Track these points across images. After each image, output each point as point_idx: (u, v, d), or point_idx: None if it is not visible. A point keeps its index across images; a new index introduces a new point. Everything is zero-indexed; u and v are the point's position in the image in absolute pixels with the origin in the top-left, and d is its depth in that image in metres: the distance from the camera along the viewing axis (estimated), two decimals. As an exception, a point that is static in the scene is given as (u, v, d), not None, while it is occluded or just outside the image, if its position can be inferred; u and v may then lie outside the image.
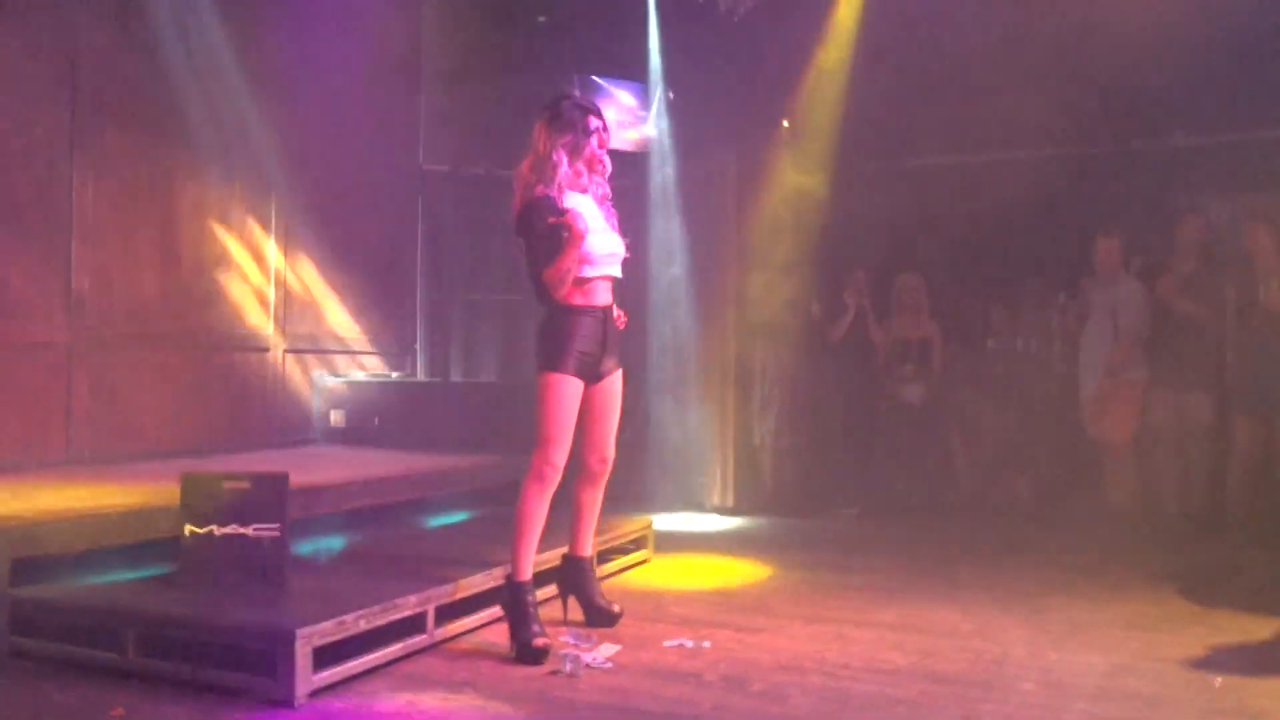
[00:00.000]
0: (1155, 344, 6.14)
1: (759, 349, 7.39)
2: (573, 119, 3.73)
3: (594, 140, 3.77)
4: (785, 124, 7.56)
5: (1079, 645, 3.78)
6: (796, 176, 7.32)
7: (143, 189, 5.61)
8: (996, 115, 6.97)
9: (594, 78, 7.42)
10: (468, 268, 7.83)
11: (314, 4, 6.46)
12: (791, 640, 3.81)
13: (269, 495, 3.66)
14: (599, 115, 3.82)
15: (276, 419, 6.39)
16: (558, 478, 3.70)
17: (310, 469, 4.92)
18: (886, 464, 7.10)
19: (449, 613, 3.75)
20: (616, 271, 3.81)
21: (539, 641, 3.54)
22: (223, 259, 6.07)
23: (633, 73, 7.50)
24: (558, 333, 3.67)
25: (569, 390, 3.66)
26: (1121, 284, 6.27)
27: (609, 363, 3.82)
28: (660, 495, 6.94)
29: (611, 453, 3.93)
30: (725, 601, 4.42)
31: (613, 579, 4.80)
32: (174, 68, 5.69)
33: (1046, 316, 7.00)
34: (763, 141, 7.38)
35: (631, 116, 7.52)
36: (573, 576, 4.01)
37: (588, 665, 3.43)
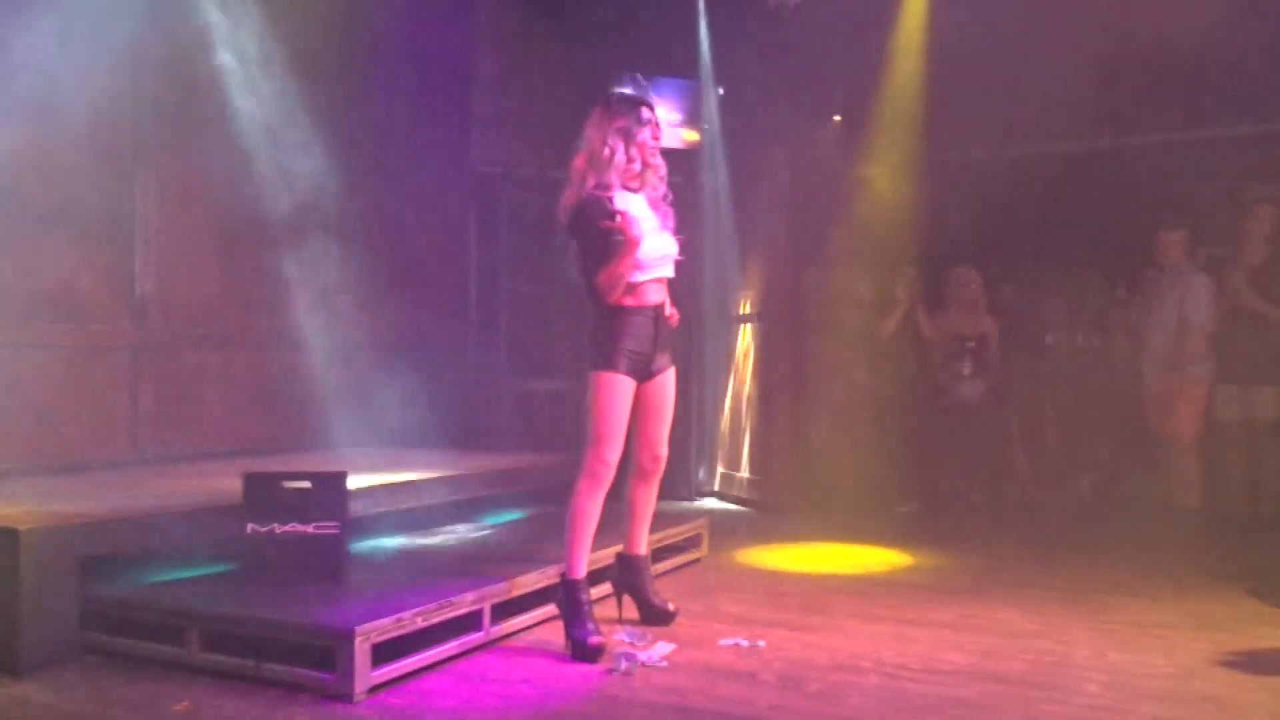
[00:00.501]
0: (1221, 338, 5.99)
1: (813, 344, 7.34)
2: (624, 108, 3.72)
3: (647, 131, 3.73)
4: (837, 119, 7.51)
5: (1144, 646, 3.70)
6: (849, 170, 7.26)
7: (203, 194, 5.72)
8: (1055, 104, 6.85)
9: (645, 77, 7.41)
10: (520, 268, 7.87)
11: (369, 8, 6.54)
12: (848, 639, 3.78)
13: (329, 494, 3.71)
14: (651, 108, 3.79)
15: (338, 418, 6.47)
16: (610, 476, 3.69)
17: (369, 468, 4.99)
18: (944, 461, 7.01)
19: (505, 610, 3.77)
20: (669, 272, 3.79)
21: (594, 640, 3.55)
22: (283, 261, 6.16)
23: (684, 71, 7.49)
24: (609, 332, 3.66)
25: (621, 389, 3.65)
26: (1186, 276, 6.12)
27: (661, 360, 3.79)
28: (714, 491, 6.92)
29: (665, 450, 3.91)
30: (780, 599, 4.40)
31: (665, 577, 4.80)
32: (232, 73, 5.79)
33: (1107, 311, 6.87)
34: (814, 136, 7.33)
35: (683, 115, 7.51)
36: (628, 575, 4.01)
37: (643, 664, 3.43)
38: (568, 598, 3.67)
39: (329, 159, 6.38)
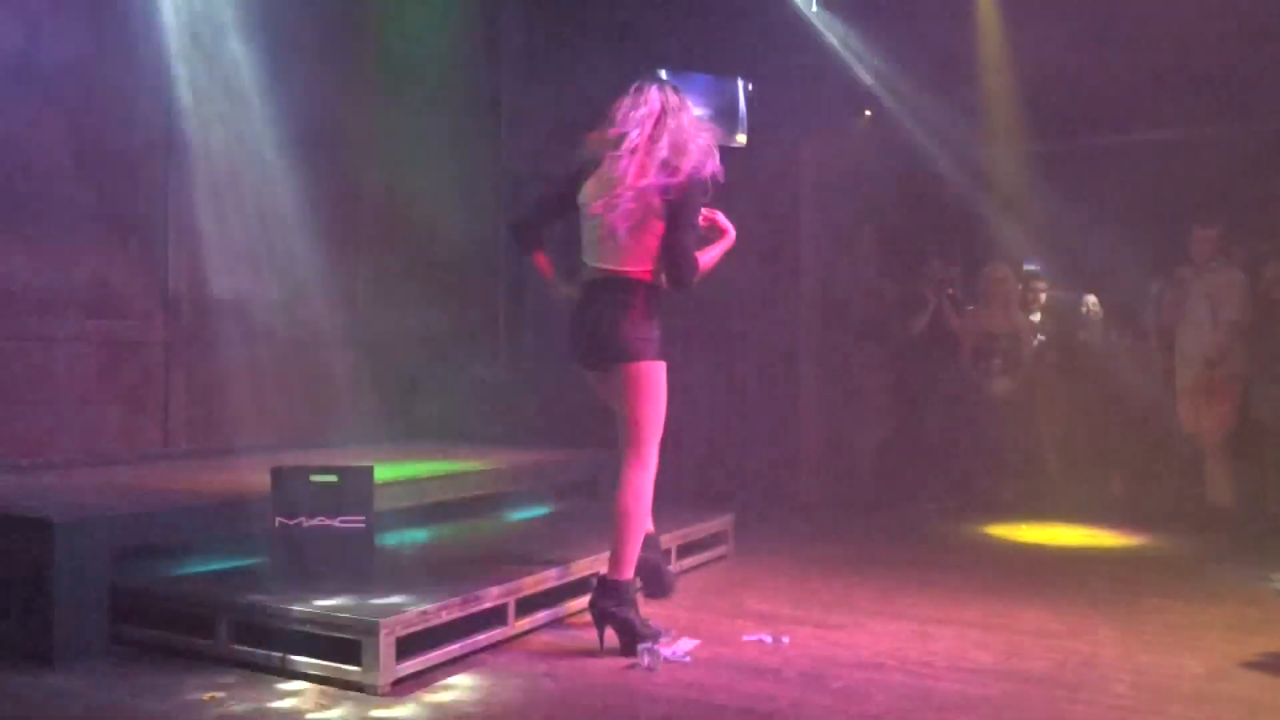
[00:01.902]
0: (1256, 335, 5.91)
1: (840, 340, 7.32)
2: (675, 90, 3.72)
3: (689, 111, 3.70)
4: (868, 113, 7.47)
5: (1173, 647, 3.66)
6: (877, 164, 7.22)
7: (234, 192, 5.77)
8: (1087, 99, 6.78)
9: (675, 72, 7.39)
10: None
11: (399, 4, 6.59)
12: (872, 637, 3.77)
13: (355, 488, 3.74)
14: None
15: (365, 413, 6.52)
16: (656, 467, 3.67)
17: (395, 463, 5.02)
18: (973, 459, 6.96)
19: (529, 605, 3.79)
20: None
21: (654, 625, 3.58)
22: (312, 257, 6.21)
23: (709, 66, 7.46)
24: (652, 317, 3.58)
25: (665, 378, 3.64)
26: (1221, 273, 6.05)
27: None
28: (742, 490, 6.90)
29: None
30: (805, 597, 4.38)
31: (690, 573, 4.80)
32: (261, 69, 5.84)
33: (1140, 308, 6.79)
34: (842, 130, 7.30)
35: (713, 111, 7.48)
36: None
37: (666, 659, 3.44)
38: (621, 598, 3.54)
39: (358, 155, 6.44)
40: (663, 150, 3.52)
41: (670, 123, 3.57)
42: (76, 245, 5.03)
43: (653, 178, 3.50)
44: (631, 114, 3.60)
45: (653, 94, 3.63)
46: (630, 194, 3.50)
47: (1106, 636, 3.80)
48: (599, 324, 3.59)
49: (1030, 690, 3.19)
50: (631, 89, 3.66)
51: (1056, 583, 4.68)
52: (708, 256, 3.67)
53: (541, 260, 3.87)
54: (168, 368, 5.40)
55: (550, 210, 3.89)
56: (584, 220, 3.68)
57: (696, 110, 3.74)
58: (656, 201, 3.50)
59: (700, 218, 3.62)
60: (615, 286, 3.59)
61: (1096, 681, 3.28)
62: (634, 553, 3.60)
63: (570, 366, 3.79)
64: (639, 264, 3.57)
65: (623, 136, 3.57)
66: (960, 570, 4.95)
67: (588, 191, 3.64)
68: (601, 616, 3.55)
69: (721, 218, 3.70)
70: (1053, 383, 7.02)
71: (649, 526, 3.89)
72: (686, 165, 3.51)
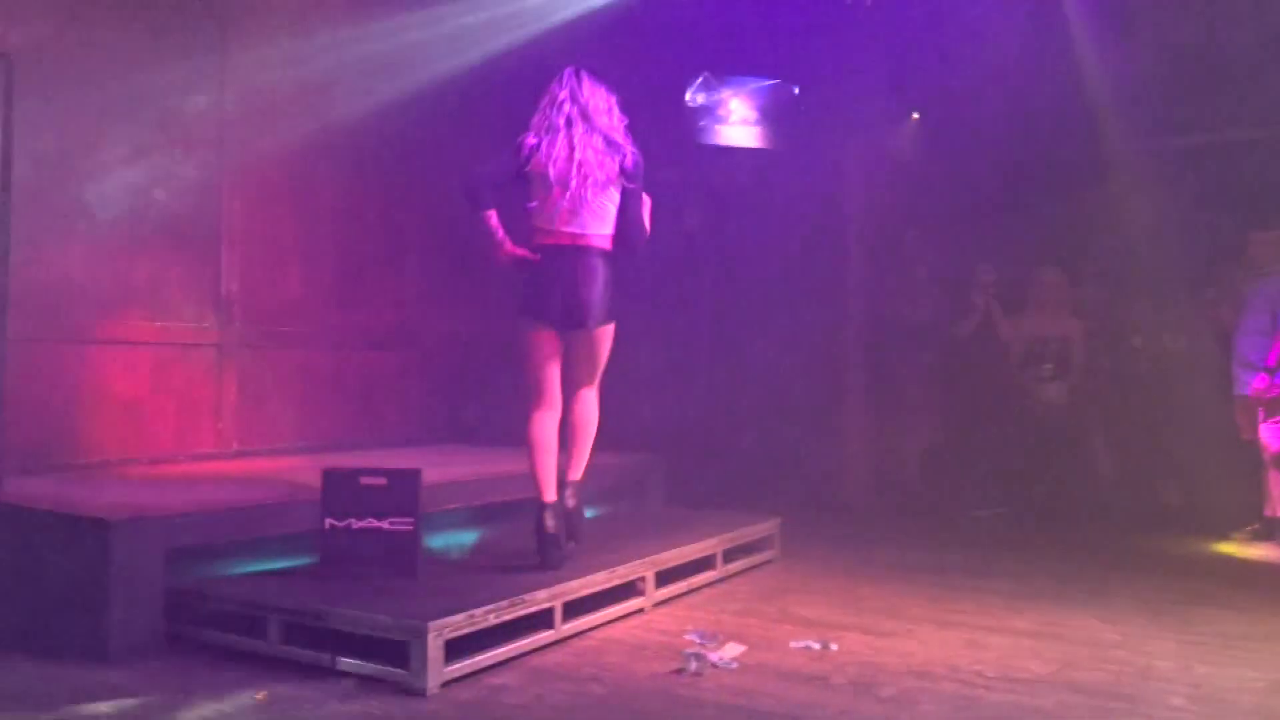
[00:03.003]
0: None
1: (887, 345, 7.26)
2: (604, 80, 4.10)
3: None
4: (915, 115, 7.41)
5: (1232, 659, 3.58)
6: (925, 166, 7.16)
7: (285, 196, 5.85)
8: (1137, 101, 6.67)
9: (717, 74, 7.39)
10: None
11: (441, 9, 6.64)
12: (922, 645, 3.72)
13: (404, 491, 3.77)
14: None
15: (412, 416, 6.58)
16: None
17: (443, 465, 5.04)
18: (1024, 466, 6.86)
19: (576, 609, 3.79)
20: None
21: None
22: (361, 258, 6.28)
23: (756, 68, 7.44)
24: (617, 284, 4.07)
25: None
26: (1278, 277, 5.90)
27: None
28: (788, 495, 6.86)
29: None
30: (853, 603, 4.35)
31: (736, 578, 4.78)
32: (312, 78, 5.91)
33: (1196, 312, 6.66)
34: (891, 132, 7.24)
35: (758, 113, 7.46)
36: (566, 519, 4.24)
37: (713, 665, 3.42)
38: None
39: (406, 158, 6.49)
40: (602, 128, 3.97)
41: (601, 105, 4.01)
42: (132, 248, 5.11)
43: (606, 151, 3.95)
44: (560, 96, 4.02)
45: (568, 79, 4.04)
46: (597, 165, 3.92)
47: (1162, 647, 3.72)
48: (590, 288, 3.98)
49: (1084, 702, 3.13)
50: (555, 80, 4.06)
51: (1109, 591, 4.60)
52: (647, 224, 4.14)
53: (495, 219, 4.05)
54: (220, 369, 5.47)
55: (500, 179, 4.09)
56: (545, 190, 3.97)
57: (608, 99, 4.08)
58: (615, 174, 3.95)
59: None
60: (593, 252, 3.99)
61: (1153, 694, 3.22)
62: (554, 465, 4.09)
63: (536, 327, 4.06)
64: (607, 229, 4.02)
65: (562, 119, 3.97)
66: (1011, 577, 4.88)
67: (555, 163, 3.93)
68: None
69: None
70: (1105, 389, 6.91)
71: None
72: (628, 143, 4.00)
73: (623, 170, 3.96)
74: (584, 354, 4.15)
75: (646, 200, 4.13)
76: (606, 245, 4.02)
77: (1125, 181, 6.93)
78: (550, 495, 4.01)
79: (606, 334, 4.13)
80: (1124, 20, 6.52)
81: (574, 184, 3.90)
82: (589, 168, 3.90)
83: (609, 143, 3.96)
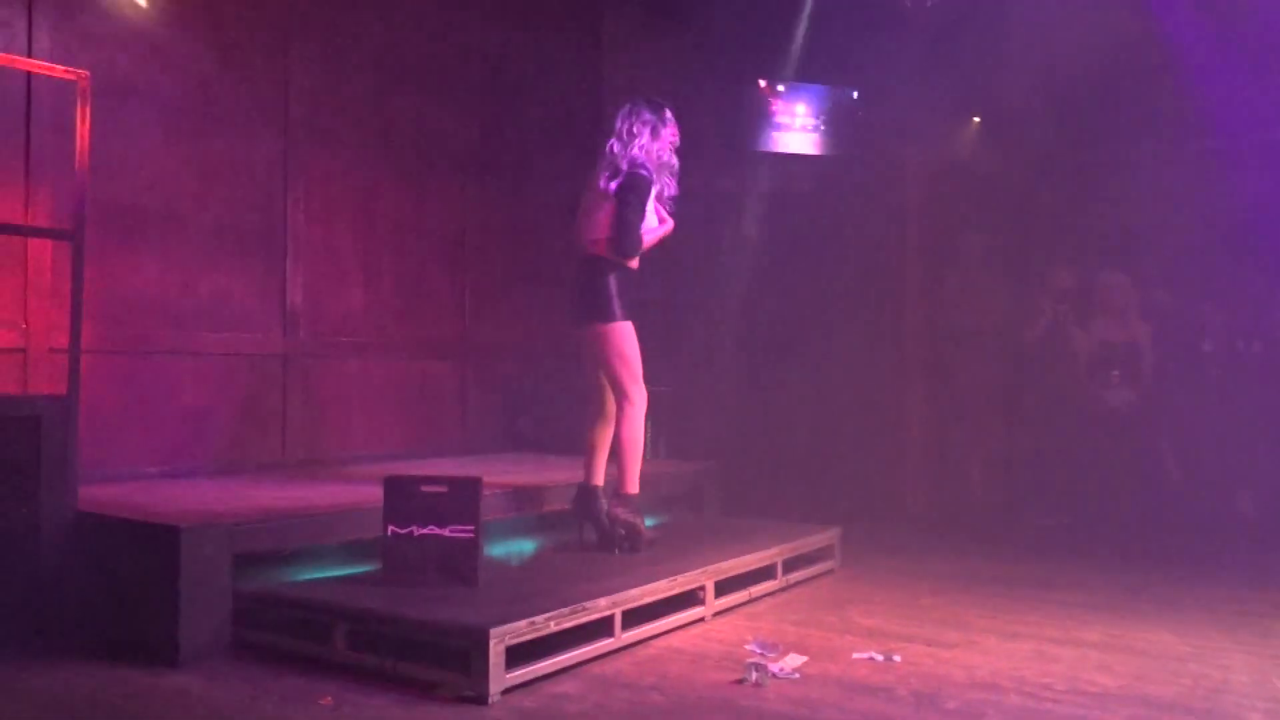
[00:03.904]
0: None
1: (950, 352, 7.16)
2: (652, 109, 4.43)
3: (669, 129, 4.45)
4: (976, 120, 7.31)
5: (1312, 674, 3.47)
6: (989, 170, 7.06)
7: (348, 208, 5.94)
8: (1207, 98, 6.51)
9: (779, 83, 7.37)
10: (640, 275, 7.90)
11: (505, 15, 6.71)
12: (986, 656, 3.66)
13: (464, 498, 3.79)
14: (672, 111, 4.50)
15: (472, 424, 6.64)
16: (646, 405, 4.42)
17: (503, 473, 5.08)
18: (1091, 474, 6.71)
19: (636, 617, 3.79)
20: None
21: (649, 534, 4.49)
22: (418, 271, 6.36)
23: (814, 74, 7.41)
24: (617, 288, 4.33)
25: (634, 333, 4.37)
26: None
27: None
28: (849, 504, 6.79)
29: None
30: (916, 613, 4.29)
31: (797, 588, 4.74)
32: (372, 91, 6.01)
33: (1268, 315, 6.47)
34: (950, 137, 7.16)
35: (816, 120, 7.43)
36: (588, 504, 4.53)
37: (774, 675, 3.40)
38: (629, 505, 4.45)
39: (462, 170, 6.57)
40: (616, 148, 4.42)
41: (623, 127, 4.44)
42: (201, 261, 5.23)
43: (608, 166, 4.40)
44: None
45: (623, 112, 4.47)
46: (599, 178, 4.40)
47: (1237, 661, 3.62)
48: (573, 289, 4.50)
49: (1157, 716, 3.05)
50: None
51: (1181, 602, 4.49)
52: (654, 238, 4.47)
53: (656, 227, 4.53)
54: (285, 379, 5.57)
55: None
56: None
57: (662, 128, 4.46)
58: (612, 186, 4.34)
59: (642, 204, 4.34)
60: (583, 256, 4.46)
61: (1229, 709, 3.13)
62: (637, 471, 4.46)
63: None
64: (598, 234, 4.40)
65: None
66: (1078, 588, 4.78)
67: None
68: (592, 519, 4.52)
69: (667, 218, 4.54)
70: (1175, 395, 6.75)
71: (599, 480, 4.56)
72: (625, 159, 4.37)
73: (616, 180, 4.33)
74: (586, 354, 4.52)
75: (654, 214, 4.43)
76: (598, 250, 4.36)
77: (1192, 182, 6.77)
78: (592, 479, 4.53)
79: (595, 336, 4.36)
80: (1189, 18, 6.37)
81: (584, 196, 4.47)
82: (594, 180, 4.42)
83: (611, 158, 4.39)
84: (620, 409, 4.41)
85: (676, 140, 4.51)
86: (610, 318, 4.32)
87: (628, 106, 4.44)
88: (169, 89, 5.09)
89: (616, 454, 4.47)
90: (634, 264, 4.42)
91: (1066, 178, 7.15)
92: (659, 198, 4.48)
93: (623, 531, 4.47)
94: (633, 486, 4.45)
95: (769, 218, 7.57)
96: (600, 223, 4.35)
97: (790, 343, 7.44)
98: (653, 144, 4.39)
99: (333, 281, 5.86)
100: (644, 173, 4.32)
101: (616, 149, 4.38)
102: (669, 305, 7.28)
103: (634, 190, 4.29)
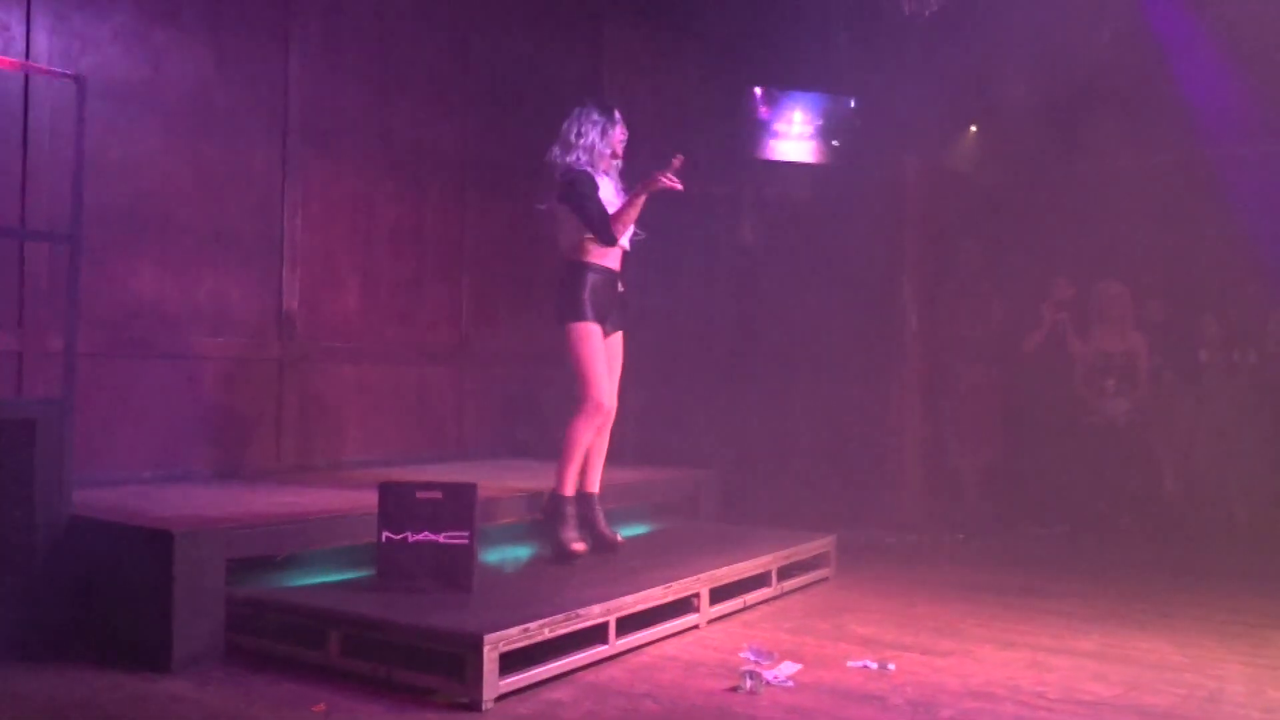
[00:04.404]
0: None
1: (947, 361, 7.16)
2: (602, 111, 4.49)
3: (618, 129, 4.50)
4: (973, 129, 7.33)
5: (1307, 684, 3.47)
6: (986, 180, 7.07)
7: (346, 213, 5.94)
8: (1208, 107, 6.53)
9: (777, 90, 7.38)
10: (642, 281, 7.90)
11: (504, 23, 6.72)
12: (981, 665, 3.66)
13: (459, 504, 3.79)
14: (619, 112, 4.56)
15: (468, 430, 6.63)
16: (603, 412, 4.37)
17: (498, 479, 5.08)
18: (1087, 483, 6.71)
19: (630, 624, 3.78)
20: (627, 244, 4.51)
21: (576, 545, 4.35)
22: (416, 277, 6.35)
23: (812, 83, 7.42)
24: (576, 285, 4.35)
25: (595, 334, 4.35)
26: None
27: (614, 320, 4.51)
28: (844, 512, 6.79)
29: (614, 402, 4.48)
30: (911, 622, 4.28)
31: (792, 595, 4.74)
32: (371, 98, 6.01)
33: (1265, 326, 6.48)
34: (948, 146, 7.17)
35: (814, 128, 7.44)
36: (582, 510, 4.53)
37: (769, 683, 3.39)
38: (557, 509, 4.41)
39: (462, 175, 6.57)
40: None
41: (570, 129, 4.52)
42: (198, 265, 5.22)
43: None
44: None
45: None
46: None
47: (1233, 671, 3.62)
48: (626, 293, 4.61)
49: (1151, 726, 3.06)
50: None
51: (1176, 612, 4.49)
52: (623, 217, 4.43)
53: (629, 202, 4.52)
54: (281, 384, 5.56)
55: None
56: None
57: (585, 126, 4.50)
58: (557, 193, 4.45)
59: (594, 194, 4.39)
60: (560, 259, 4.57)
61: (1224, 718, 3.12)
62: (569, 474, 4.42)
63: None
64: (561, 238, 4.52)
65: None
66: (1074, 597, 4.78)
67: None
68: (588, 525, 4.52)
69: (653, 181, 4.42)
70: (1171, 404, 6.75)
71: (593, 488, 4.60)
72: (561, 163, 4.47)
73: (556, 192, 4.44)
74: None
75: (614, 198, 4.48)
76: (574, 256, 4.43)
77: (1188, 191, 6.78)
78: (586, 486, 4.55)
79: (564, 335, 4.39)
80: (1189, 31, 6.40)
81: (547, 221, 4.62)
82: (544, 201, 4.56)
83: (550, 171, 4.49)
84: (574, 408, 4.42)
85: (624, 141, 4.57)
86: (570, 317, 4.35)
87: (578, 109, 4.51)
88: (167, 92, 5.09)
89: (589, 457, 4.53)
90: (624, 244, 4.48)
91: (1064, 187, 7.16)
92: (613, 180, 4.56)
93: (620, 539, 4.58)
94: (564, 488, 4.45)
95: (766, 226, 7.58)
96: (568, 232, 4.44)
97: (788, 350, 7.44)
98: (601, 144, 4.46)
99: (330, 287, 5.85)
100: (575, 169, 4.38)
101: (556, 155, 4.47)
102: (667, 312, 7.28)
103: (574, 188, 4.35)
